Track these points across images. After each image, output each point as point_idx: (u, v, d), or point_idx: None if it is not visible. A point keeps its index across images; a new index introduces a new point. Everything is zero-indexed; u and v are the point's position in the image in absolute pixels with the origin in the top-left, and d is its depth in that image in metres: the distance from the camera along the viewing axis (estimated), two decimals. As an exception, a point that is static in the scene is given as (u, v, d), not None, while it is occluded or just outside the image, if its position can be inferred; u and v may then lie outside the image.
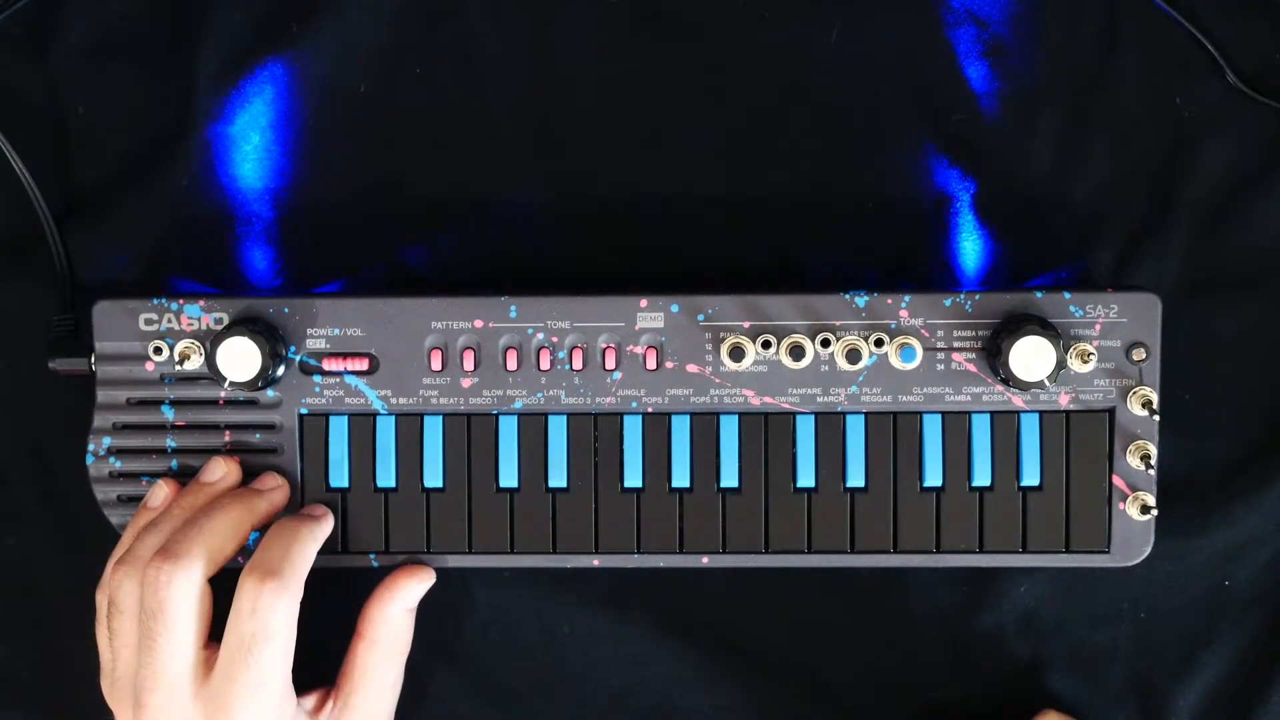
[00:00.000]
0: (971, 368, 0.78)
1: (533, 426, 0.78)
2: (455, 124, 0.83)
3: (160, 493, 0.78)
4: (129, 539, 0.77)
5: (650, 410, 0.78)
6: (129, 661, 0.74)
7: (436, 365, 0.78)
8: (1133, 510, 0.78)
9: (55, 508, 0.84)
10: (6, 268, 0.84)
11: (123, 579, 0.74)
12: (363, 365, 0.78)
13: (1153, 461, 0.77)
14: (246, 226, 0.83)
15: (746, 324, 0.77)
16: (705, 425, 0.78)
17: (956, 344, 0.77)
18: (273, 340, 0.76)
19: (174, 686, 0.73)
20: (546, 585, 0.83)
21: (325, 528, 0.77)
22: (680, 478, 0.78)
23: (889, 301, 0.77)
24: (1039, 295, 0.77)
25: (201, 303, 0.78)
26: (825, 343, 0.77)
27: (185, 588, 0.72)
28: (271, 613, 0.73)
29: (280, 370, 0.77)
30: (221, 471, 0.78)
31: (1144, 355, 0.77)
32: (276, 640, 0.73)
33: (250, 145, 0.83)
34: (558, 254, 0.83)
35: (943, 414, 0.78)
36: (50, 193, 0.82)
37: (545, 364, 0.78)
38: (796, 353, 0.76)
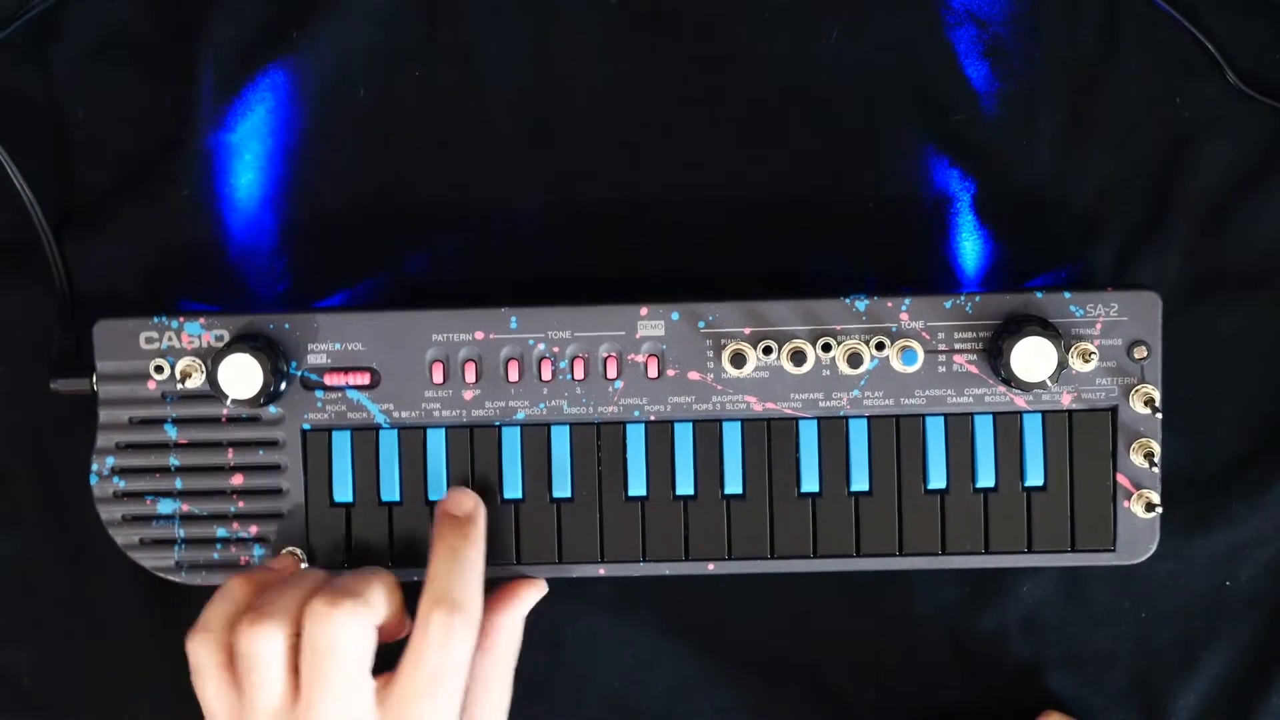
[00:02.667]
0: (973, 369, 0.78)
1: (535, 437, 0.78)
2: (455, 127, 0.83)
3: (286, 561, 0.78)
4: (249, 593, 0.74)
5: (653, 418, 0.78)
6: (277, 709, 0.71)
7: (438, 378, 0.78)
8: (1137, 508, 0.78)
9: (56, 512, 0.84)
10: (6, 273, 0.84)
11: (264, 630, 0.71)
12: (364, 379, 0.78)
13: (1156, 459, 0.77)
14: (247, 233, 0.83)
15: (747, 330, 0.77)
16: (708, 432, 0.78)
17: (958, 346, 0.77)
18: (274, 356, 0.76)
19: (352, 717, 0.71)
20: (549, 588, 0.83)
21: (483, 532, 0.77)
22: (684, 485, 0.78)
23: (889, 305, 0.77)
24: (1039, 295, 0.77)
25: (202, 320, 0.78)
26: (826, 347, 0.77)
27: (364, 626, 0.71)
28: (462, 646, 0.72)
29: (282, 386, 0.77)
30: None
31: (1145, 353, 0.77)
32: (461, 672, 0.72)
33: (251, 153, 0.83)
34: (557, 257, 0.83)
35: (945, 416, 0.78)
36: (49, 200, 0.82)
37: (547, 374, 0.78)
38: (798, 358, 0.76)
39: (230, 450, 0.79)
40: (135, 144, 0.83)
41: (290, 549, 0.78)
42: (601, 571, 0.79)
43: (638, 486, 0.78)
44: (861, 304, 0.77)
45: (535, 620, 0.83)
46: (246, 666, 0.71)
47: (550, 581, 0.83)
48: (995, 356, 0.76)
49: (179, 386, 0.77)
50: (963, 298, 0.77)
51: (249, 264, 0.83)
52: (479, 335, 0.78)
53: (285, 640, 0.71)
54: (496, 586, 0.79)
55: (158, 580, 0.83)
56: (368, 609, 0.71)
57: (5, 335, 0.84)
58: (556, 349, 0.78)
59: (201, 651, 0.73)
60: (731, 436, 0.78)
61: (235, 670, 0.72)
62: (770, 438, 0.78)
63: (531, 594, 0.79)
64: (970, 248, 0.82)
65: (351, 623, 0.70)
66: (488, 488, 0.78)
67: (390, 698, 0.71)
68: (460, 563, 0.74)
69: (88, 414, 0.79)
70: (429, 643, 0.71)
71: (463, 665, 0.72)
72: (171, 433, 0.78)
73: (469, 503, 0.77)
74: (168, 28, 0.83)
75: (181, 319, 0.78)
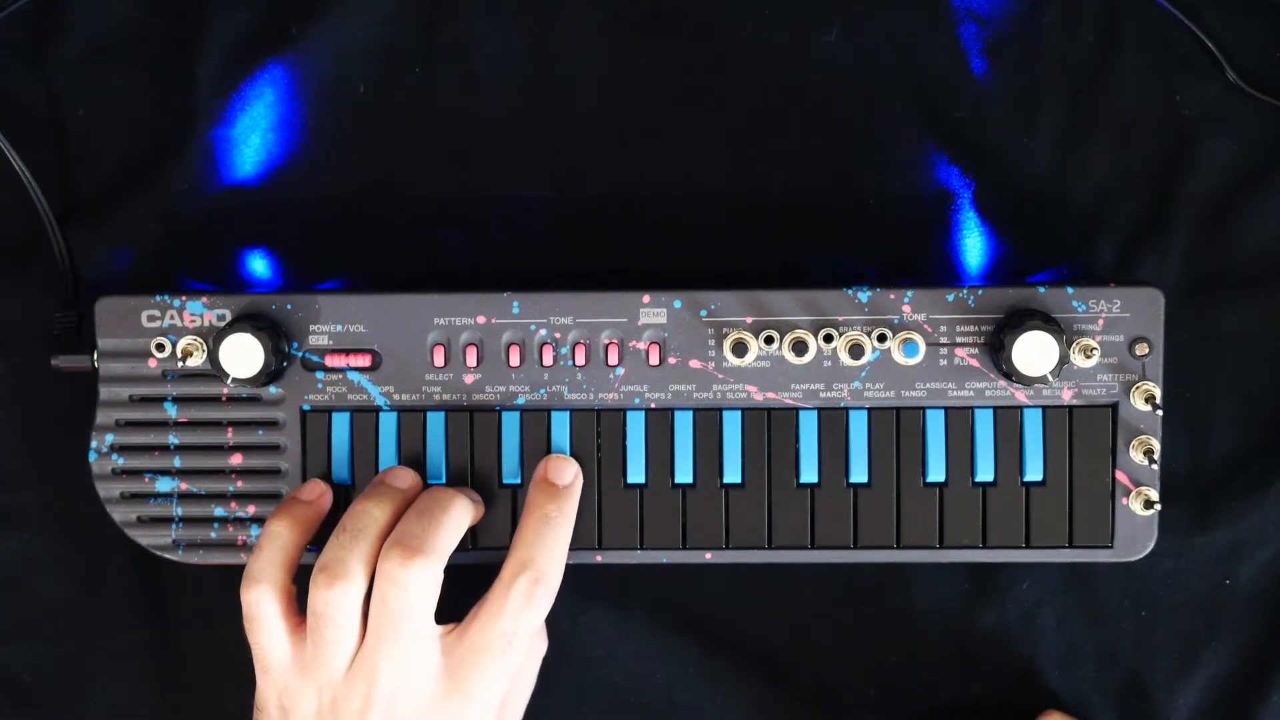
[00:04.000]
0: (974, 363, 0.78)
1: (536, 423, 0.78)
2: (456, 123, 0.83)
3: (316, 489, 0.77)
4: (294, 534, 0.75)
5: (653, 406, 0.78)
6: (341, 662, 0.72)
7: (439, 361, 0.78)
8: (1136, 505, 0.78)
9: (58, 509, 0.84)
10: (9, 270, 0.84)
11: (340, 592, 0.72)
12: (365, 361, 0.78)
13: (1156, 456, 0.77)
14: (247, 229, 0.83)
15: (749, 319, 0.77)
16: (708, 421, 0.78)
17: (959, 339, 0.77)
18: (275, 337, 0.76)
19: (418, 673, 0.72)
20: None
21: (576, 505, 0.77)
22: (683, 474, 0.78)
23: (892, 296, 0.77)
24: (1042, 290, 0.77)
25: (204, 299, 0.78)
26: (828, 338, 0.77)
27: (434, 579, 0.72)
28: (538, 613, 0.74)
29: (283, 366, 0.77)
30: (410, 480, 0.77)
31: (1147, 350, 0.77)
32: (528, 634, 0.74)
33: (251, 147, 0.83)
34: (559, 254, 0.83)
35: (946, 409, 0.78)
36: (51, 196, 0.82)
37: (548, 360, 0.78)
38: (799, 348, 0.77)
39: (230, 429, 0.78)
40: (136, 140, 0.83)
41: (315, 479, 0.78)
42: (599, 559, 0.78)
43: (636, 474, 0.78)
44: (864, 295, 0.77)
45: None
46: (319, 625, 0.72)
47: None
48: (997, 350, 0.76)
49: (180, 365, 0.77)
50: (965, 291, 0.77)
51: (249, 260, 0.83)
52: (480, 319, 0.78)
53: (359, 597, 0.72)
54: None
55: (158, 579, 0.83)
56: (439, 561, 0.72)
57: (7, 335, 0.84)
58: (558, 335, 0.78)
59: (258, 601, 0.73)
60: (731, 425, 0.78)
61: (294, 619, 0.74)
62: (770, 427, 0.78)
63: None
64: (971, 245, 0.82)
65: (423, 581, 0.72)
66: (486, 472, 0.78)
67: (458, 648, 0.73)
68: (552, 531, 0.75)
69: (90, 412, 0.79)
70: (508, 605, 0.73)
71: (533, 629, 0.74)
72: (171, 411, 0.78)
73: (569, 473, 0.77)
74: (168, 24, 0.83)
75: (184, 298, 0.78)
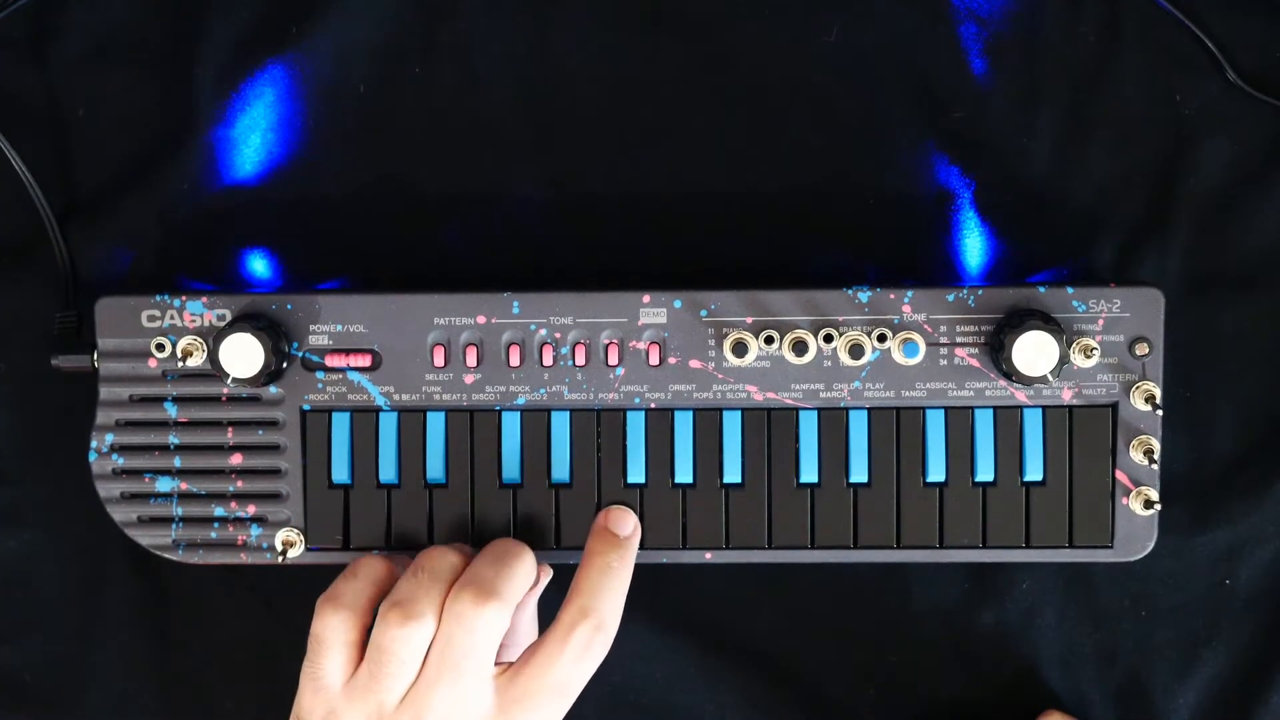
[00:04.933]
0: (974, 363, 0.78)
1: (535, 422, 0.78)
2: (456, 123, 0.83)
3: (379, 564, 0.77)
4: (387, 572, 0.75)
5: (653, 406, 0.78)
6: (396, 695, 0.72)
7: (439, 361, 0.78)
8: (1136, 505, 0.78)
9: (58, 509, 0.84)
10: (9, 270, 0.84)
11: (412, 632, 0.71)
12: (365, 361, 0.78)
13: (1156, 456, 0.77)
14: (247, 229, 0.83)
15: (749, 319, 0.77)
16: (708, 421, 0.78)
17: (959, 339, 0.77)
18: (275, 337, 0.76)
19: (468, 714, 0.72)
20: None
21: (635, 554, 0.77)
22: (683, 473, 0.78)
23: (892, 296, 0.77)
24: (1042, 290, 0.77)
25: (204, 299, 0.78)
26: (828, 338, 0.77)
27: (502, 624, 0.72)
28: (595, 661, 0.73)
29: (283, 366, 0.77)
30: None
31: (1147, 350, 0.77)
32: (583, 684, 0.73)
33: (251, 147, 0.83)
34: (559, 253, 0.83)
35: (946, 409, 0.78)
36: (51, 196, 0.82)
37: (548, 360, 0.78)
38: (799, 348, 0.77)
39: (230, 429, 0.78)
40: (136, 140, 0.83)
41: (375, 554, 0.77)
42: (600, 559, 0.78)
43: (636, 474, 0.78)
44: (864, 295, 0.77)
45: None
46: (382, 659, 0.72)
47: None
48: (997, 350, 0.76)
49: (180, 365, 0.77)
50: (965, 291, 0.77)
51: (249, 260, 0.83)
52: (481, 319, 0.78)
53: (428, 638, 0.72)
54: None
55: (158, 579, 0.83)
56: (508, 608, 0.72)
57: (7, 335, 0.84)
58: (558, 335, 0.78)
59: (334, 625, 0.73)
60: (731, 425, 0.78)
61: (359, 647, 0.73)
62: (770, 427, 0.78)
63: (540, 580, 0.78)
64: (971, 245, 0.82)
65: (491, 624, 0.72)
66: (485, 472, 0.78)
67: (512, 690, 0.72)
68: (613, 580, 0.75)
69: (90, 413, 0.79)
70: (566, 653, 0.72)
71: (587, 678, 0.73)
72: (171, 411, 0.78)
73: (630, 524, 0.77)
74: (168, 24, 0.83)
75: (184, 297, 0.78)
